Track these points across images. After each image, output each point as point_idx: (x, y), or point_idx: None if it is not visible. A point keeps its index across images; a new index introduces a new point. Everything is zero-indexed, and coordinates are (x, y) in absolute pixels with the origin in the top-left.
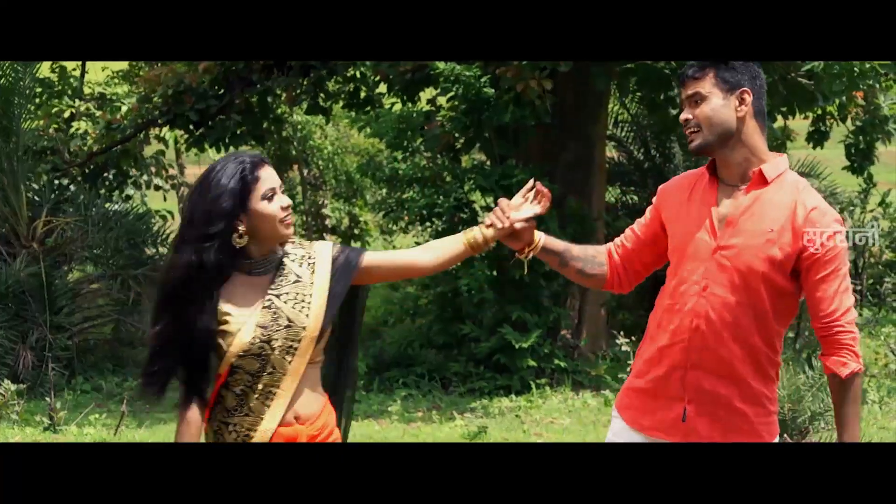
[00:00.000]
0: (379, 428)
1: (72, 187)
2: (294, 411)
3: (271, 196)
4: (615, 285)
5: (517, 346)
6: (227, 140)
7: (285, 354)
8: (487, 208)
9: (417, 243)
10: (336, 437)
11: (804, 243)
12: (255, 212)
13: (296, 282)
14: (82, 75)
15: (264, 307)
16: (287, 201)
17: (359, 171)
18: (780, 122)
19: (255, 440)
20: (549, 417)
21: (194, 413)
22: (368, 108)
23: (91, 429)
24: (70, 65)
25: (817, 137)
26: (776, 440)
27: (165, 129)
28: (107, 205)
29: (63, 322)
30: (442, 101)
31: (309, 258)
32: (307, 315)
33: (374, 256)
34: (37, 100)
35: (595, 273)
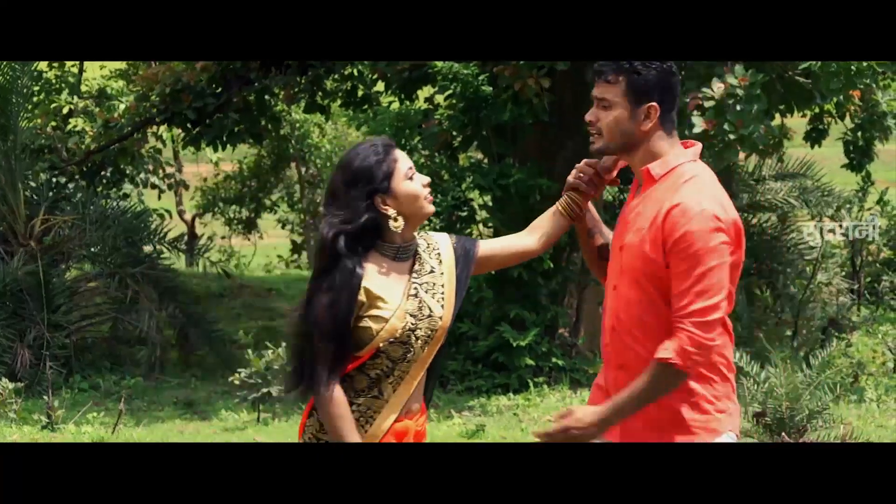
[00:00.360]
0: None
1: (69, 186)
2: (410, 403)
3: (412, 175)
4: None
5: (515, 345)
6: (224, 138)
7: (423, 344)
8: (485, 206)
9: None
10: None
11: (665, 241)
12: (400, 192)
13: (431, 272)
14: (80, 73)
15: (410, 295)
16: (426, 179)
17: None
18: (777, 120)
19: (375, 424)
20: (547, 416)
21: (339, 391)
22: (366, 106)
23: (89, 427)
24: (68, 63)
25: (815, 136)
26: (724, 437)
27: (163, 127)
28: (104, 203)
29: (61, 320)
30: (440, 99)
31: (434, 248)
32: (442, 306)
33: (488, 245)
34: (34, 98)
35: (601, 263)
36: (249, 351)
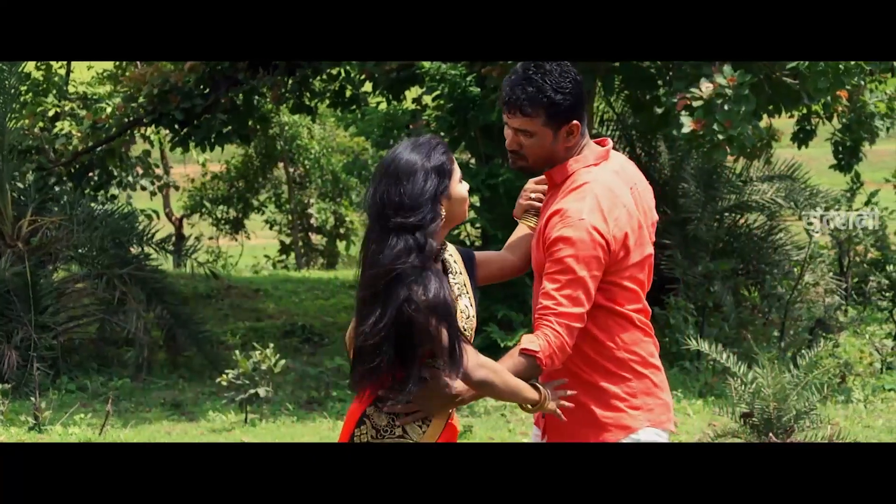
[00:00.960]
0: None
1: (57, 187)
2: None
3: (462, 179)
4: None
5: (503, 345)
6: (212, 139)
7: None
8: (473, 207)
9: None
10: None
11: (543, 240)
12: (455, 194)
13: (459, 273)
14: (67, 74)
15: (464, 293)
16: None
17: (344, 171)
18: (765, 121)
19: (434, 424)
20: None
21: (486, 358)
22: (354, 106)
23: (76, 428)
24: (55, 63)
25: (802, 137)
26: (643, 434)
27: (151, 128)
28: (91, 204)
29: (48, 321)
30: (427, 100)
31: (450, 253)
32: (472, 306)
33: (480, 257)
34: (21, 98)
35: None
36: (237, 352)
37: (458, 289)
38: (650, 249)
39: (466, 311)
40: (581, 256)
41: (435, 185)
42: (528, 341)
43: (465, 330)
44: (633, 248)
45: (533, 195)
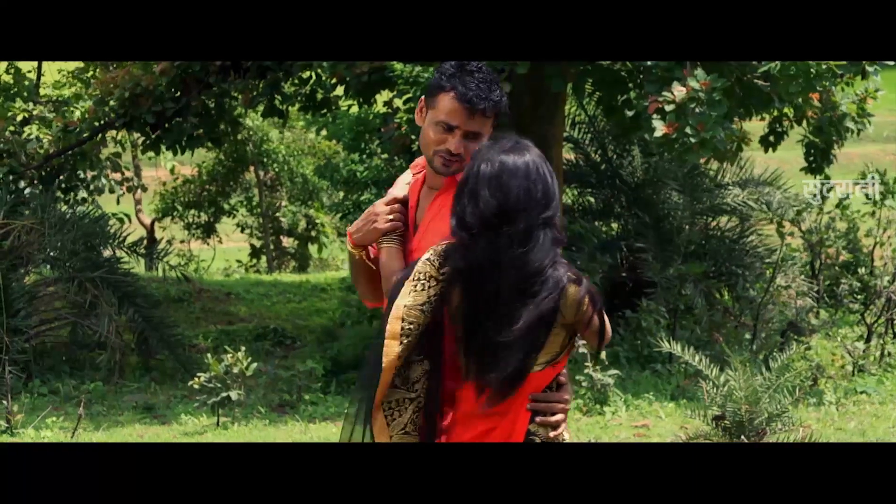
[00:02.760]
0: (336, 430)
1: (27, 190)
2: None
3: None
4: None
5: None
6: (183, 142)
7: None
8: None
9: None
10: None
11: None
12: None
13: None
14: (38, 77)
15: None
16: None
17: (316, 174)
18: (736, 123)
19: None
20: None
21: None
22: (325, 110)
23: (48, 432)
24: (25, 66)
25: (773, 139)
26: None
27: (122, 131)
28: (63, 207)
29: (20, 325)
30: (398, 103)
31: None
32: None
33: None
34: None
35: None
36: (209, 355)
37: None
38: None
39: None
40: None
41: (554, 184)
42: None
43: None
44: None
45: (392, 217)
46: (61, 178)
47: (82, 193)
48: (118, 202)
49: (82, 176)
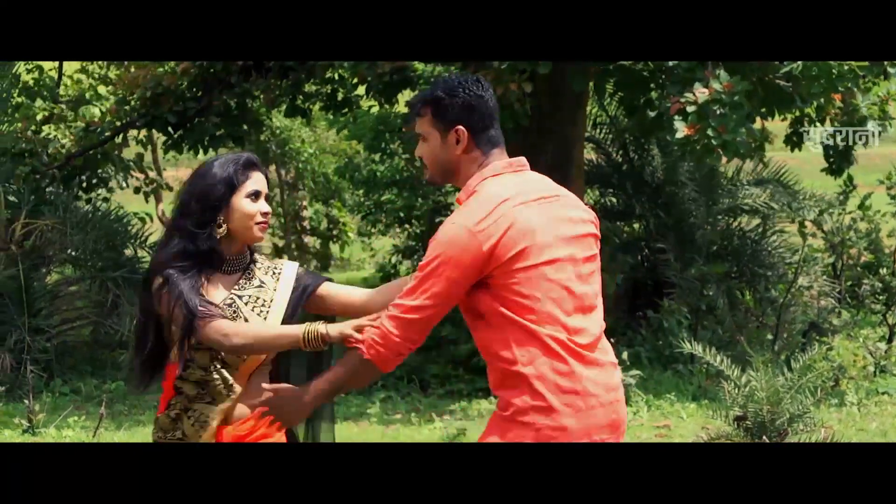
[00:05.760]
0: (358, 430)
1: (49, 189)
2: (237, 410)
3: (255, 197)
4: None
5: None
6: (205, 142)
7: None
8: None
9: (395, 246)
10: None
11: None
12: (236, 207)
13: (259, 286)
14: (59, 77)
15: (226, 304)
16: (267, 209)
17: (337, 174)
18: (758, 123)
19: (209, 430)
20: None
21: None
22: (346, 109)
23: (70, 431)
24: (47, 66)
25: (795, 140)
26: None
27: (143, 131)
28: (84, 206)
29: (42, 324)
30: None
31: (275, 269)
32: (265, 319)
33: (331, 288)
34: (13, 101)
35: None
36: None
37: (239, 299)
38: (558, 255)
39: (240, 320)
40: (436, 255)
41: (219, 194)
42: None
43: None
44: (521, 254)
45: None
46: (83, 177)
47: (104, 192)
48: (147, 200)
49: (104, 175)
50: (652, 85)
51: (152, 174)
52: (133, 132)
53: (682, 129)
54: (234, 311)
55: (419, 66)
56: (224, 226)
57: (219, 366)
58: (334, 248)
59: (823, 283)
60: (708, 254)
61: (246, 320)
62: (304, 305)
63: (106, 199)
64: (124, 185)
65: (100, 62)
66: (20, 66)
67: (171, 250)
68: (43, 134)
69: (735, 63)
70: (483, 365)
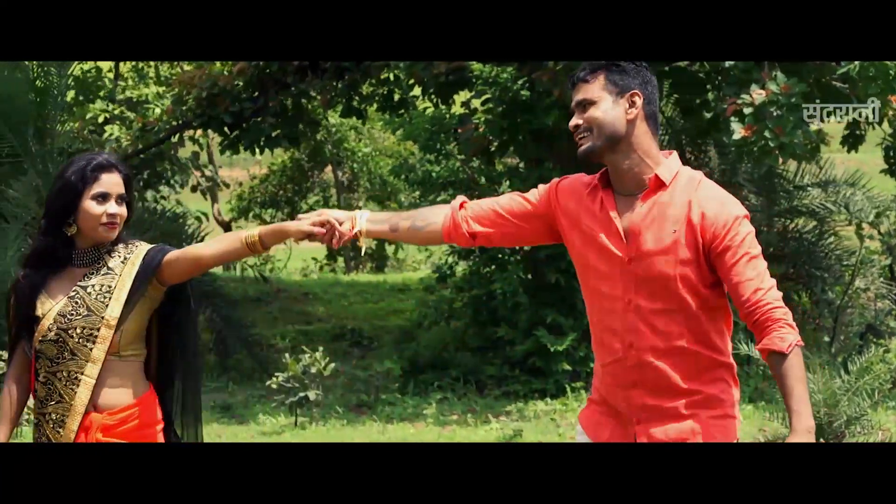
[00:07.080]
0: (414, 431)
1: None
2: (96, 399)
3: (101, 199)
4: (451, 235)
5: (552, 350)
6: (262, 142)
7: (85, 342)
8: None
9: (451, 247)
10: (153, 436)
11: (709, 236)
12: (83, 208)
13: (105, 274)
14: (116, 78)
15: (69, 296)
16: (115, 210)
17: (392, 174)
18: (814, 125)
19: (68, 426)
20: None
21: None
22: (402, 110)
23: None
24: (104, 66)
25: (852, 141)
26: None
27: (199, 131)
28: (142, 205)
29: None
30: (476, 103)
31: (128, 255)
32: (107, 305)
33: (174, 253)
34: (69, 99)
35: (426, 224)
36: (286, 355)
37: (82, 289)
38: None
39: (82, 310)
40: (754, 236)
41: (68, 195)
42: (779, 340)
43: (68, 329)
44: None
45: (323, 228)
46: (140, 176)
47: (163, 191)
48: (206, 197)
49: (166, 174)
50: (708, 86)
51: (209, 173)
52: (189, 132)
53: (738, 131)
54: (77, 302)
55: (476, 66)
56: (74, 225)
57: (67, 355)
58: (390, 249)
59: (880, 285)
60: (765, 255)
61: (88, 309)
62: (156, 276)
63: (163, 198)
64: (181, 184)
65: (154, 62)
66: (76, 67)
67: (32, 248)
68: (106, 135)
69: (792, 64)
70: (538, 366)
